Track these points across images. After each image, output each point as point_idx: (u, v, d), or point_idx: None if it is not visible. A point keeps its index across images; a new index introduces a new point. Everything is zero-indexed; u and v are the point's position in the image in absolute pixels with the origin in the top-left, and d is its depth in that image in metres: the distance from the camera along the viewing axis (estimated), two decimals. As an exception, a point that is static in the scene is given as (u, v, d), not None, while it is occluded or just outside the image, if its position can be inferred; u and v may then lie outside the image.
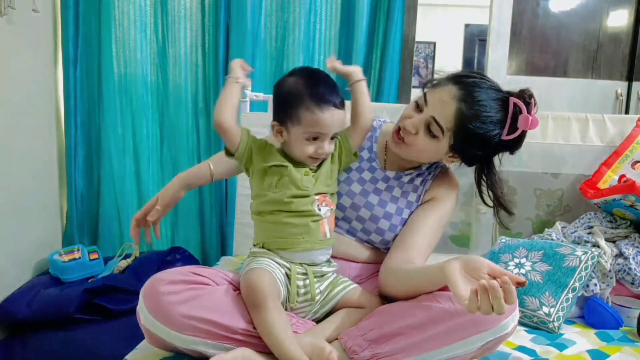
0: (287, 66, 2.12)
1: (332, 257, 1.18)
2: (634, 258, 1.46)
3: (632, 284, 1.45)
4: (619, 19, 2.17)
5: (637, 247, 1.51)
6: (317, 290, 1.11)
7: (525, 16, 2.17)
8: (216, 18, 2.08)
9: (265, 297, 0.99)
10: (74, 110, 2.11)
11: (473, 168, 1.24)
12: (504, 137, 1.14)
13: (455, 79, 1.15)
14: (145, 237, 1.26)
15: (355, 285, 1.16)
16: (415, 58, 2.83)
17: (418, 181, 1.27)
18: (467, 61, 5.00)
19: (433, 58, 5.09)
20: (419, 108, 1.16)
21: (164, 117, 2.18)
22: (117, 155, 2.14)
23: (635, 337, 1.30)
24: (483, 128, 1.11)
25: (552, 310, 1.33)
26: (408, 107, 1.20)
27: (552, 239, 1.61)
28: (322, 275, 1.14)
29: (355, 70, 1.19)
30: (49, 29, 2.07)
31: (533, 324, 1.34)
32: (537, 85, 2.17)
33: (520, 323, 1.32)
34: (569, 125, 1.84)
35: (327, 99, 1.05)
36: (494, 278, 0.86)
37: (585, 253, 1.43)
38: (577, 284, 1.37)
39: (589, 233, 1.61)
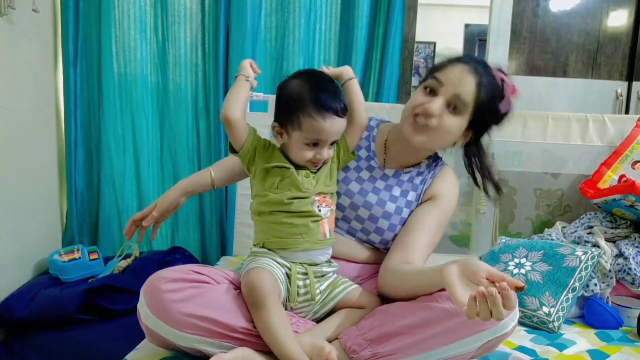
0: (287, 66, 2.11)
1: (332, 257, 1.18)
2: (634, 258, 1.46)
3: (632, 284, 1.45)
4: (619, 19, 2.17)
5: (637, 247, 1.51)
6: (317, 291, 1.11)
7: (525, 16, 2.17)
8: (216, 18, 2.08)
9: (266, 296, 0.99)
10: (74, 110, 2.11)
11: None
12: (502, 107, 1.20)
13: (458, 59, 1.19)
14: (138, 236, 1.26)
15: (356, 285, 1.16)
16: (415, 58, 2.83)
17: (418, 180, 1.27)
18: (467, 61, 4.98)
19: (433, 58, 5.09)
20: (432, 92, 1.17)
21: (164, 117, 2.18)
22: (117, 155, 2.14)
23: (635, 337, 1.30)
24: (496, 98, 1.17)
25: (552, 310, 1.33)
26: (417, 95, 1.19)
27: (552, 239, 1.61)
28: (323, 276, 1.14)
29: (345, 70, 1.19)
30: (49, 29, 2.06)
31: (533, 324, 1.34)
32: (537, 85, 2.18)
33: (520, 323, 1.32)
34: (569, 125, 1.84)
35: (330, 106, 1.05)
36: (493, 282, 0.86)
37: (585, 253, 1.43)
38: (577, 284, 1.37)
39: (589, 233, 1.61)
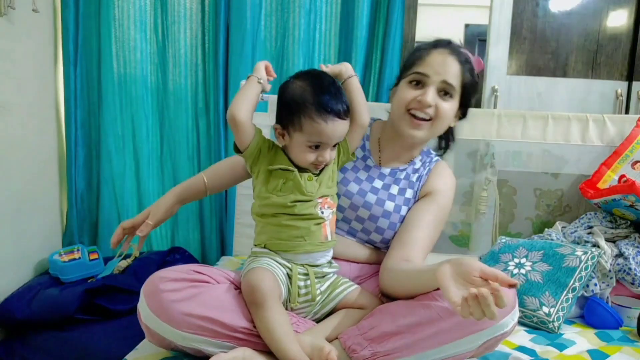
0: (287, 66, 2.11)
1: (333, 257, 1.18)
2: (634, 258, 1.46)
3: (632, 284, 1.45)
4: (619, 19, 2.17)
5: (637, 247, 1.51)
6: (318, 291, 1.11)
7: (525, 16, 2.17)
8: (216, 18, 2.08)
9: (266, 296, 0.99)
10: (74, 110, 2.10)
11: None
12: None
13: (433, 46, 1.22)
14: (123, 245, 1.22)
15: (356, 286, 1.16)
16: (415, 58, 2.81)
17: (414, 177, 1.27)
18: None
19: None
20: (419, 84, 1.19)
21: (164, 117, 2.18)
22: (117, 155, 2.14)
23: (635, 337, 1.30)
24: (473, 71, 1.22)
25: (552, 310, 1.33)
26: (404, 91, 1.20)
27: (552, 239, 1.61)
28: (323, 276, 1.14)
29: (344, 68, 1.17)
30: (49, 29, 2.06)
31: (533, 324, 1.34)
32: (537, 85, 2.18)
33: (520, 323, 1.32)
34: (569, 125, 1.84)
35: (331, 109, 1.04)
36: (487, 280, 0.86)
37: (585, 253, 1.43)
38: (577, 284, 1.37)
39: (589, 233, 1.61)
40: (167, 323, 0.97)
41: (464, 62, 1.19)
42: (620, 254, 1.50)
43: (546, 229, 1.73)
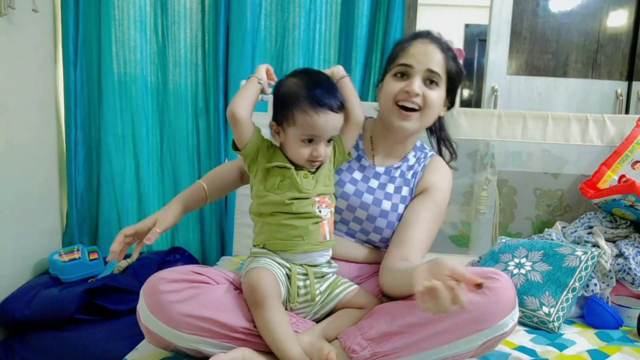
0: (287, 66, 2.11)
1: (332, 258, 1.18)
2: (634, 258, 1.46)
3: (632, 284, 1.45)
4: (619, 19, 2.17)
5: (637, 247, 1.51)
6: (317, 291, 1.11)
7: (525, 16, 2.17)
8: (216, 18, 2.08)
9: (266, 296, 0.99)
10: (74, 110, 2.11)
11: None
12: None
13: (413, 37, 1.24)
14: (119, 254, 1.18)
15: (356, 286, 1.16)
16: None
17: (409, 174, 1.27)
18: (467, 61, 4.97)
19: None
20: (404, 75, 1.20)
21: (164, 117, 2.18)
22: (117, 155, 2.14)
23: (635, 337, 1.30)
24: (456, 58, 1.24)
25: (552, 310, 1.33)
26: (390, 84, 1.21)
27: (552, 239, 1.61)
28: (323, 276, 1.14)
29: (336, 70, 1.20)
30: (49, 29, 2.06)
31: (533, 324, 1.34)
32: (537, 85, 2.18)
33: (520, 323, 1.32)
34: (569, 125, 1.84)
35: (324, 102, 1.05)
36: (458, 280, 0.84)
37: (585, 253, 1.43)
38: (577, 284, 1.37)
39: (589, 233, 1.61)
40: (167, 324, 0.97)
41: (446, 50, 1.21)
42: (620, 254, 1.50)
43: (546, 229, 1.73)
